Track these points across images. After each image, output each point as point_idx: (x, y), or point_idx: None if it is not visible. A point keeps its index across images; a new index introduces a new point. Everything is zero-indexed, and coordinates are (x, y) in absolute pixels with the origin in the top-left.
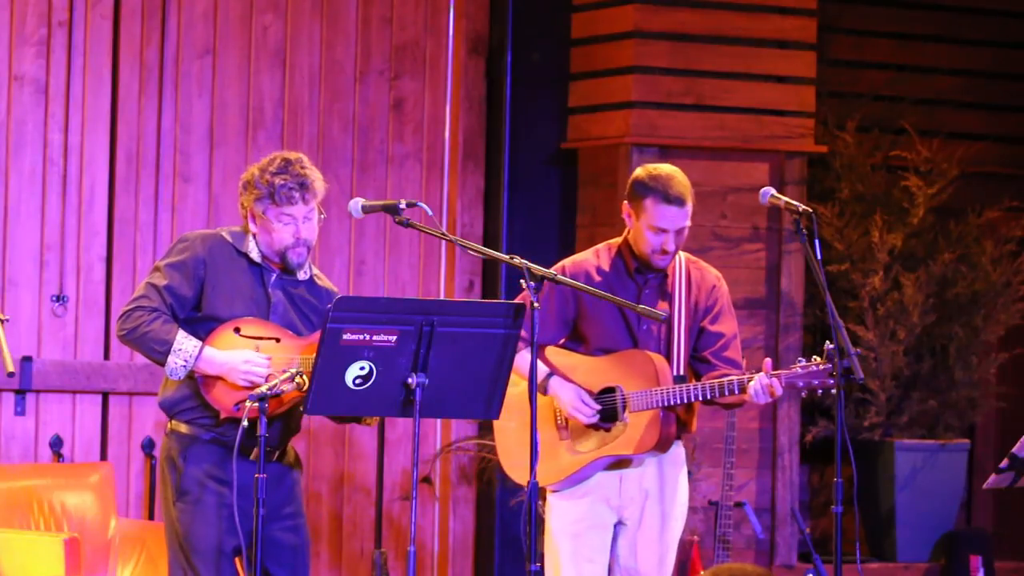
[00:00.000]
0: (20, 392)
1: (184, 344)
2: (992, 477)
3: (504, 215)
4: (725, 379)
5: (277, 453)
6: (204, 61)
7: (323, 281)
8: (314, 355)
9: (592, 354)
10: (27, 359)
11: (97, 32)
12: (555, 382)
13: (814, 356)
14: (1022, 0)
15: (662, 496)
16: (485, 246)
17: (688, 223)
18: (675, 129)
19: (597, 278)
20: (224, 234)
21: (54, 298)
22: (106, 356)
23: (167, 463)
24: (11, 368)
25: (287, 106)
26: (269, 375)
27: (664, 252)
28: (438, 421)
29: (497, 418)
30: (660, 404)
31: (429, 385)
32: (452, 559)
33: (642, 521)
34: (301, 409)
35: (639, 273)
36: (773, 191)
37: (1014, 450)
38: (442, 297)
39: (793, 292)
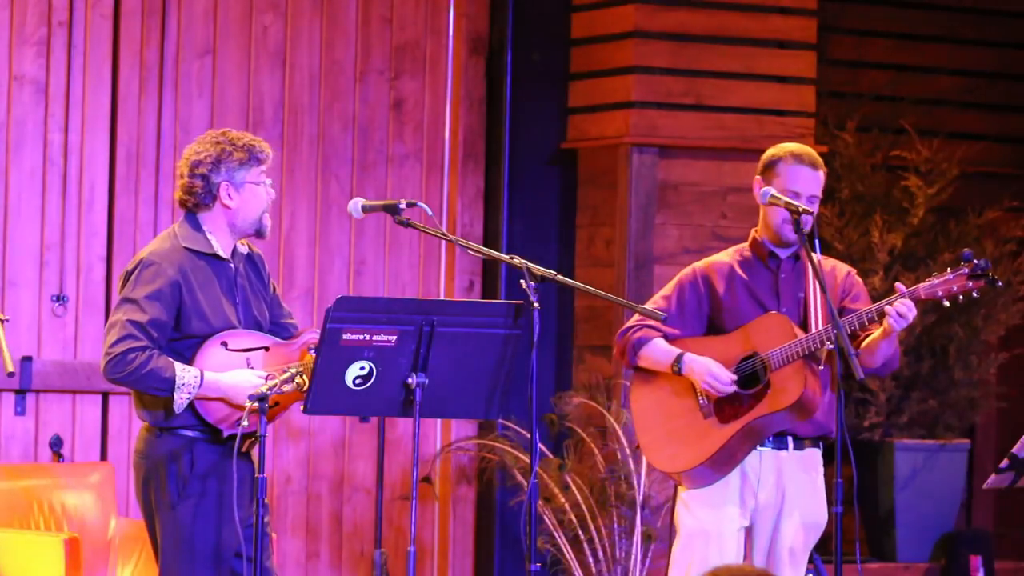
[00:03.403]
0: (20, 392)
1: (185, 378)
2: (992, 477)
3: (504, 215)
4: (861, 310)
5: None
6: (204, 61)
7: (251, 247)
8: (305, 361)
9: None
10: (27, 359)
11: (97, 32)
12: (688, 358)
13: (948, 268)
14: (1022, 0)
15: (797, 506)
16: (485, 246)
17: (820, 194)
18: (675, 129)
19: (737, 271)
20: (180, 243)
21: (54, 298)
22: None
23: (163, 462)
24: (11, 368)
25: (287, 106)
26: (268, 375)
27: (795, 219)
28: (438, 421)
29: (497, 418)
30: (799, 353)
31: (429, 385)
32: (452, 559)
33: (777, 531)
34: (301, 409)
35: (772, 259)
36: (773, 191)
37: (1014, 450)
38: (442, 297)
39: None
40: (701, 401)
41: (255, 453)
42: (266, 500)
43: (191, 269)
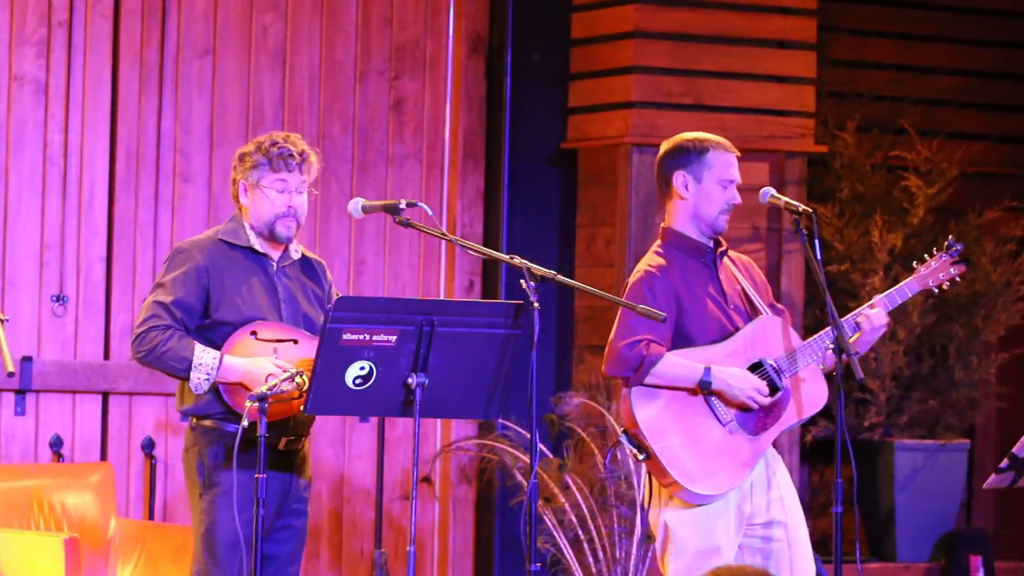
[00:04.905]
0: (20, 392)
1: (204, 358)
2: (992, 477)
3: (504, 215)
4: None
5: (302, 441)
6: (204, 61)
7: (310, 253)
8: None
9: (713, 343)
10: (27, 359)
11: (97, 32)
12: (719, 372)
13: (925, 255)
14: (1022, 0)
15: (788, 498)
16: (485, 246)
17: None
18: (675, 129)
19: (683, 271)
20: (217, 235)
21: (54, 298)
22: (106, 356)
23: (194, 457)
24: (11, 368)
25: (287, 106)
26: (269, 375)
27: (731, 208)
28: (438, 421)
29: (497, 418)
30: (813, 357)
31: (429, 385)
32: (452, 559)
33: (781, 528)
34: (301, 409)
35: (709, 254)
36: (773, 191)
37: (1014, 450)
38: (442, 297)
39: (793, 292)
40: (723, 416)
41: (301, 456)
42: (305, 507)
43: (221, 257)
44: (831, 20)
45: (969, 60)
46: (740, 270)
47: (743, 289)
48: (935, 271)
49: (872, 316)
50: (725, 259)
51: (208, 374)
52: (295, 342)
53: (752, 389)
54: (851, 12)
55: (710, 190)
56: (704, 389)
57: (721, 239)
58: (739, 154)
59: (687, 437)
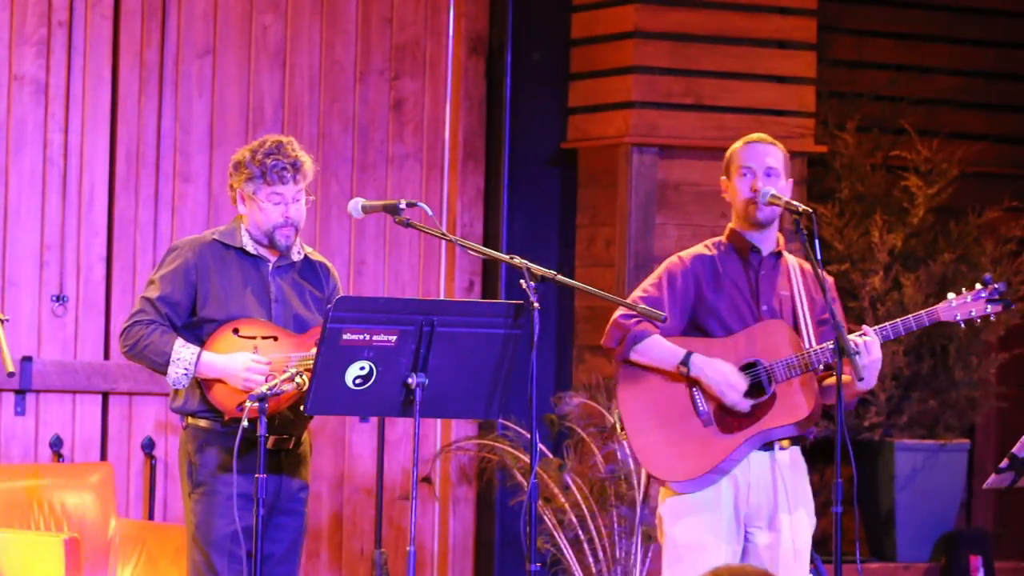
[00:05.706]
0: (20, 392)
1: (182, 353)
2: (992, 477)
3: (504, 215)
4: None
5: (293, 441)
6: (204, 61)
7: (316, 255)
8: (311, 352)
9: (722, 337)
10: (27, 359)
11: (97, 32)
12: (699, 359)
13: (964, 289)
14: (1022, 0)
15: (791, 504)
16: (485, 246)
17: (778, 167)
18: (675, 129)
19: (718, 266)
20: (212, 235)
21: (54, 298)
22: (106, 356)
23: (184, 457)
24: (11, 368)
25: (287, 106)
26: (268, 375)
27: (756, 194)
28: (438, 421)
29: (497, 418)
30: (807, 367)
31: (429, 385)
32: (452, 559)
33: (778, 532)
34: (301, 408)
35: (754, 253)
36: (773, 191)
37: (1014, 450)
38: (442, 297)
39: None
40: (701, 408)
41: (297, 457)
42: (300, 508)
43: (212, 256)
44: (831, 20)
45: (969, 60)
46: (808, 281)
47: (792, 297)
48: (966, 305)
49: (868, 344)
50: (785, 262)
51: (187, 369)
52: (275, 339)
53: (726, 384)
54: (851, 12)
55: (737, 184)
56: (683, 373)
57: (780, 240)
58: (771, 144)
59: (659, 420)
